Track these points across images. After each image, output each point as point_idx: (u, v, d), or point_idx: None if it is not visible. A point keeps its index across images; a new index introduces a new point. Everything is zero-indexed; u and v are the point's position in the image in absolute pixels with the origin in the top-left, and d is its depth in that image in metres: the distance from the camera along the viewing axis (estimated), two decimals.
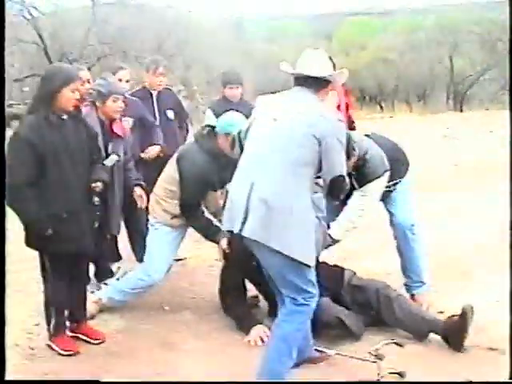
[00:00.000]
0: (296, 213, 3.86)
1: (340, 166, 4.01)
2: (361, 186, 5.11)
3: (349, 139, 4.47)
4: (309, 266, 3.93)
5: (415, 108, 37.72)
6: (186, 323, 5.24)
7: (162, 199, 5.40)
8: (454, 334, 4.79)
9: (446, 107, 36.21)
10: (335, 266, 5.41)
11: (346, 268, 5.41)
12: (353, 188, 5.01)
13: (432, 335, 4.94)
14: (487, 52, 34.87)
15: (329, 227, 5.06)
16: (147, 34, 21.80)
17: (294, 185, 3.90)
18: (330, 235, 5.06)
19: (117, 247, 6.43)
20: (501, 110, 26.58)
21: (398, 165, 5.42)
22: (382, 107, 40.19)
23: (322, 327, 4.82)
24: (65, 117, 4.70)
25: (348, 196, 5.04)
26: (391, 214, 5.55)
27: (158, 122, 6.71)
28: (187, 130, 7.20)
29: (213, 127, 5.32)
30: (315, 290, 4.07)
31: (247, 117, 4.59)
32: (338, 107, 7.69)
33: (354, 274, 5.35)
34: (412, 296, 5.57)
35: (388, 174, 5.19)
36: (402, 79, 39.69)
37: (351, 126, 7.86)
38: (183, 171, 5.26)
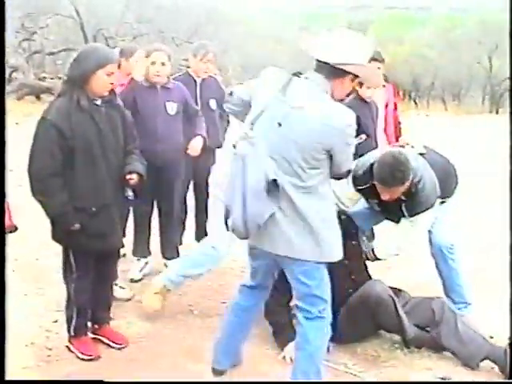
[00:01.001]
0: None
1: (347, 163, 3.71)
2: (411, 215, 4.75)
3: (406, 160, 4.42)
4: None
5: (450, 107, 37.29)
6: (214, 331, 4.87)
7: None
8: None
9: (482, 108, 35.75)
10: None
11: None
12: (402, 215, 4.75)
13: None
14: None
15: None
16: (184, 16, 21.44)
17: None
18: (373, 251, 4.90)
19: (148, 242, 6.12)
20: None
21: (448, 183, 5.12)
22: (416, 103, 39.83)
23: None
24: (98, 102, 4.32)
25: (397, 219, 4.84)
26: (429, 232, 5.24)
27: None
28: (228, 121, 6.75)
29: None
30: None
31: None
32: (386, 106, 7.35)
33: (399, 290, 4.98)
34: None
35: (439, 200, 4.89)
36: (439, 77, 39.24)
37: (397, 127, 7.53)
38: None
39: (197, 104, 6.27)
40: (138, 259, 6.05)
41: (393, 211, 4.78)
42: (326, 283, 3.80)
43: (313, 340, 3.78)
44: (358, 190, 4.78)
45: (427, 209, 4.76)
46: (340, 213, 4.64)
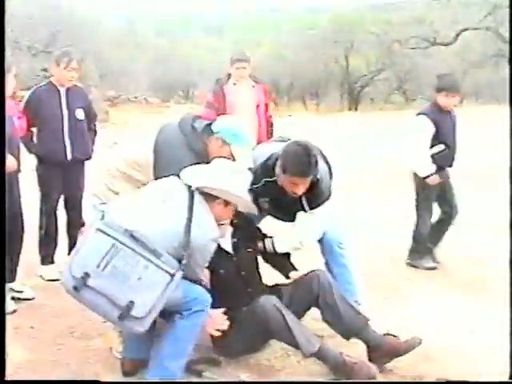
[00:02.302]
0: None
1: None
2: (311, 208, 4.65)
3: (313, 148, 4.40)
4: None
5: (310, 106, 37.94)
6: (100, 353, 4.60)
7: None
8: (386, 352, 4.39)
9: (341, 107, 36.52)
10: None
11: None
12: (302, 209, 4.65)
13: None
14: (383, 52, 35.33)
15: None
16: (40, 24, 20.73)
17: None
18: (273, 246, 4.87)
19: None
20: (395, 111, 26.97)
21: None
22: (276, 104, 40.23)
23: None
24: None
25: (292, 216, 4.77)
26: None
27: (66, 123, 6.08)
28: (95, 132, 6.51)
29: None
30: None
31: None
32: (257, 107, 7.26)
33: None
34: None
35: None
36: (297, 77, 39.81)
37: (269, 129, 7.44)
38: None
39: (62, 115, 6.03)
40: None
41: (288, 207, 4.67)
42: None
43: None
44: (250, 190, 4.57)
45: (325, 200, 4.70)
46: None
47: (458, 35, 31.55)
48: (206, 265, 4.20)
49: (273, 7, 56.52)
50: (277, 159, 4.51)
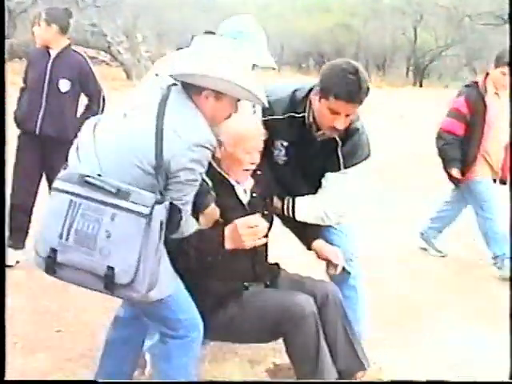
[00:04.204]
0: None
1: None
2: (346, 165, 3.67)
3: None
4: None
5: (373, 78, 36.98)
6: (41, 369, 3.89)
7: None
8: None
9: (406, 80, 35.49)
10: None
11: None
12: (335, 163, 3.64)
13: None
14: (453, 27, 34.08)
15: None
16: None
17: None
18: (293, 210, 3.76)
19: None
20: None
21: None
22: None
23: None
24: None
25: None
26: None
27: (45, 93, 5.28)
28: (91, 109, 5.48)
29: None
30: None
31: None
32: None
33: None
34: None
35: None
36: (363, 47, 38.88)
37: None
38: None
39: (43, 82, 5.27)
40: None
41: (313, 161, 3.69)
42: None
43: None
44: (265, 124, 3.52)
45: (364, 159, 3.70)
46: None
47: None
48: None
49: None
50: (311, 89, 3.58)
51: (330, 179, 3.69)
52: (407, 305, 5.15)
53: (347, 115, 3.43)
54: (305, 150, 3.65)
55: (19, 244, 5.46)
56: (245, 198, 3.49)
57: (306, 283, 3.63)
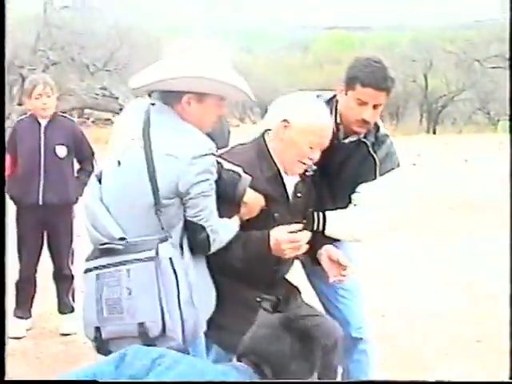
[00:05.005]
0: None
1: None
2: (380, 172, 3.58)
3: None
4: None
5: (387, 127, 37.00)
6: None
7: None
8: None
9: (419, 128, 35.44)
10: None
11: None
12: (373, 173, 3.57)
13: None
14: (463, 72, 34.15)
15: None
16: (98, 41, 20.31)
17: None
18: (324, 222, 3.55)
19: None
20: (476, 134, 25.81)
21: None
22: None
23: None
24: None
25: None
26: None
27: (42, 161, 5.28)
28: (88, 172, 5.09)
29: None
30: None
31: None
32: None
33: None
34: None
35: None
36: None
37: None
38: None
39: (40, 151, 5.28)
40: None
41: (350, 164, 3.56)
42: None
43: None
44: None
45: (395, 167, 3.62)
46: None
47: None
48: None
49: (361, 24, 55.83)
50: (333, 97, 3.57)
51: (363, 191, 3.58)
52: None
53: (375, 106, 3.40)
54: (334, 156, 3.49)
55: (26, 314, 5.50)
56: (290, 192, 3.38)
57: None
